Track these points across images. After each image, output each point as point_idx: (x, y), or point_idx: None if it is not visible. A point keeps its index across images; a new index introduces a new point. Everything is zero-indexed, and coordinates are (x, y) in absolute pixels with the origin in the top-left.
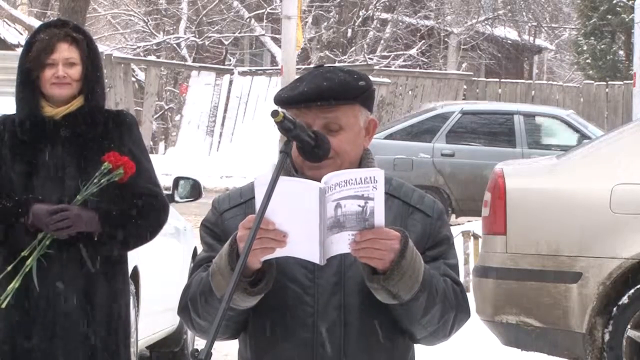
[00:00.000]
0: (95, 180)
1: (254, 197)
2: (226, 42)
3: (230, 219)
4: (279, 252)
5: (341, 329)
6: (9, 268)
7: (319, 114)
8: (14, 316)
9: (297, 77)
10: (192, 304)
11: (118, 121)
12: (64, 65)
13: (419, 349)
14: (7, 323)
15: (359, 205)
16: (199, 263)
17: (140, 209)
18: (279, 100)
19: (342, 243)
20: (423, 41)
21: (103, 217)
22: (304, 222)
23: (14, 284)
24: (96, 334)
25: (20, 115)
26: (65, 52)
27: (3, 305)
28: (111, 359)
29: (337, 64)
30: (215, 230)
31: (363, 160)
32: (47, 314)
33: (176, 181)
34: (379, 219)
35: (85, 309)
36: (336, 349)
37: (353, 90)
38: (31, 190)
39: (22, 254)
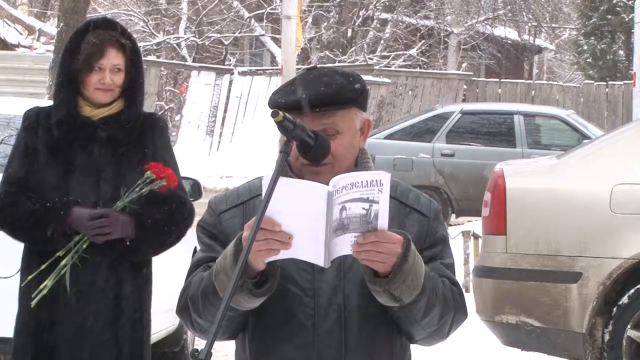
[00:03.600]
0: (137, 189)
1: (251, 198)
2: (226, 42)
3: (228, 220)
4: (283, 254)
5: (341, 330)
6: (43, 267)
7: (316, 120)
8: (42, 313)
9: None
10: (193, 304)
11: (150, 124)
12: (110, 71)
13: (419, 349)
14: (35, 320)
15: (364, 208)
16: (197, 263)
17: (170, 216)
18: (276, 105)
19: (344, 245)
20: (423, 41)
21: (138, 224)
22: (311, 225)
23: (47, 283)
24: (123, 334)
25: (58, 115)
26: (114, 58)
27: (32, 304)
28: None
29: (335, 64)
30: (212, 231)
31: (359, 161)
32: (75, 314)
33: None
34: (383, 222)
35: (114, 309)
36: (336, 351)
37: (351, 95)
38: (66, 192)
39: (57, 254)
